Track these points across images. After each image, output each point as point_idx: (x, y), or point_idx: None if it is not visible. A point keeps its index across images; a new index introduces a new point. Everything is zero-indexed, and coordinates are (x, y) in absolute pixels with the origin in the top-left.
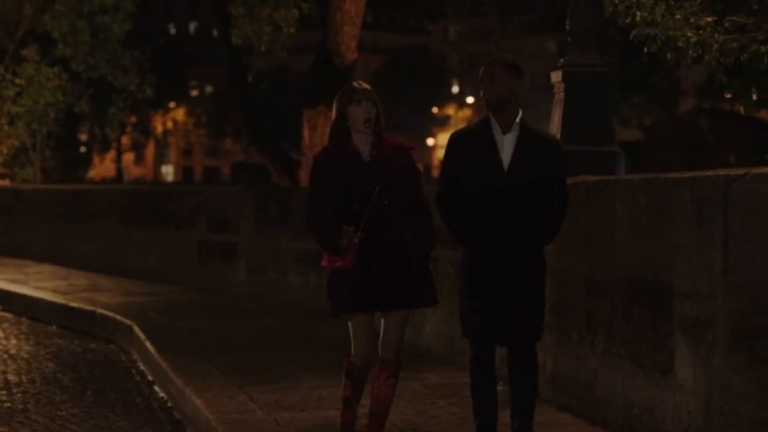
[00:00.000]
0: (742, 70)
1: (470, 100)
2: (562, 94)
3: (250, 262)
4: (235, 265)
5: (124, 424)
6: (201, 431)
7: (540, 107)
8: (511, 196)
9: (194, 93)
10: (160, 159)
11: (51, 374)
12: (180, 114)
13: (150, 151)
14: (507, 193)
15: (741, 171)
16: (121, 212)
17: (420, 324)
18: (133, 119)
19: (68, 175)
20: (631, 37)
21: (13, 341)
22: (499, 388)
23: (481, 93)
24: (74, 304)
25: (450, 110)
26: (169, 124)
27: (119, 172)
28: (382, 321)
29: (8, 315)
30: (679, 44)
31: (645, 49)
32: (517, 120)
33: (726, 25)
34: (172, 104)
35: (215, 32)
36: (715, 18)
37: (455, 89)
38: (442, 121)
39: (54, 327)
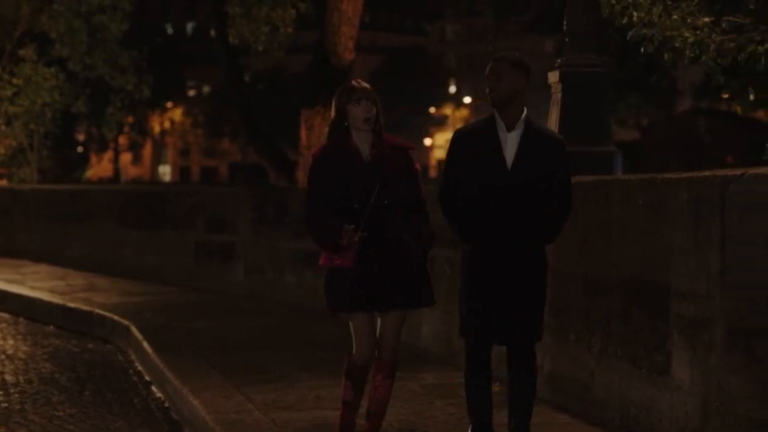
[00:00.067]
0: (739, 71)
1: (467, 100)
2: (559, 95)
3: (247, 262)
4: (233, 266)
5: (122, 424)
6: (198, 431)
7: (538, 107)
8: (513, 194)
9: (191, 93)
10: (157, 159)
11: (48, 374)
12: (177, 114)
13: (147, 151)
14: (509, 192)
15: (738, 171)
16: (119, 212)
17: (417, 324)
18: (131, 119)
19: (65, 175)
20: (628, 37)
21: (11, 341)
22: (496, 388)
23: (487, 90)
24: (71, 305)
25: (447, 110)
26: (167, 124)
27: (116, 172)
28: (379, 321)
29: (5, 315)
30: (677, 44)
31: (642, 50)
32: (522, 118)
33: (723, 25)
34: (169, 104)
35: (212, 32)
36: (713, 18)
37: (452, 89)
38: (440, 121)
39: (51, 327)
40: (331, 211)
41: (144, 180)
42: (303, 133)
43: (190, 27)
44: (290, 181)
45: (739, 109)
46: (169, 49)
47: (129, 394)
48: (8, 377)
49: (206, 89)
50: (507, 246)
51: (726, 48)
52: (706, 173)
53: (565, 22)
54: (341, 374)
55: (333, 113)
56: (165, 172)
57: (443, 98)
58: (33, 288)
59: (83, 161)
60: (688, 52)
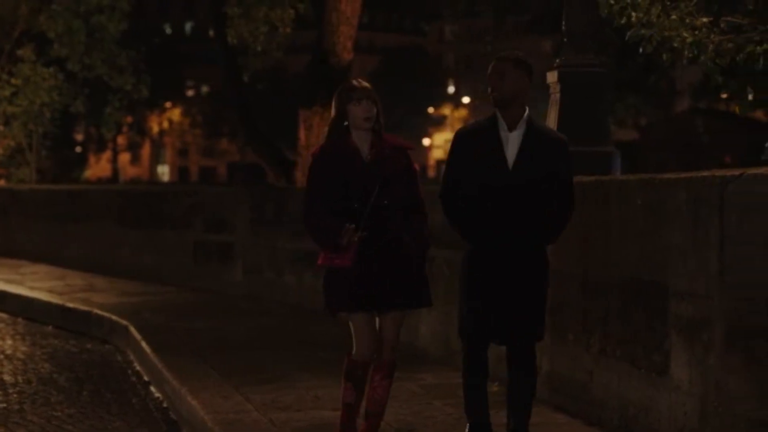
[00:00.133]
0: (738, 71)
1: (466, 100)
2: (557, 95)
3: (246, 262)
4: (231, 266)
5: (120, 424)
6: (197, 431)
7: (537, 107)
8: (514, 194)
9: (190, 93)
10: (155, 159)
11: (47, 374)
12: (176, 114)
13: (146, 151)
14: (510, 191)
15: (737, 171)
16: (117, 212)
17: (416, 324)
18: (129, 119)
19: (64, 175)
20: (627, 37)
21: (9, 342)
22: (495, 388)
23: (489, 89)
24: (70, 305)
25: (446, 110)
26: (165, 124)
27: (115, 172)
28: (378, 321)
29: (4, 315)
30: (675, 45)
31: (640, 50)
32: (524, 117)
33: (722, 25)
34: (168, 104)
35: (211, 32)
36: (711, 18)
37: (451, 89)
38: (438, 122)
39: (50, 327)
40: (331, 210)
41: (142, 180)
42: (301, 133)
43: (188, 27)
44: (289, 181)
45: (737, 109)
46: (168, 49)
47: (127, 394)
48: (7, 377)
49: (205, 89)
50: (507, 246)
51: (724, 48)
52: (705, 173)
53: (563, 23)
54: (341, 375)
55: (333, 112)
56: (163, 172)
57: (442, 98)
58: (32, 288)
59: (82, 161)
60: (686, 52)
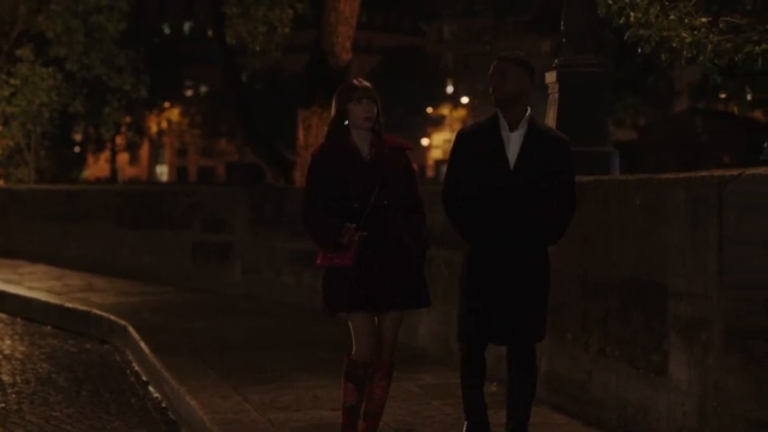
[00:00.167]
0: (737, 71)
1: (465, 100)
2: (556, 95)
3: (244, 262)
4: (230, 266)
5: (119, 424)
6: (195, 431)
7: (537, 107)
8: (515, 194)
9: (189, 93)
10: (154, 159)
11: (45, 375)
12: (174, 114)
13: (144, 151)
14: (511, 191)
15: (735, 171)
16: (116, 212)
17: (414, 325)
18: (128, 119)
19: (63, 175)
20: (626, 37)
21: (8, 342)
22: (494, 388)
23: (491, 89)
24: (69, 305)
25: (445, 110)
26: (164, 124)
27: (114, 172)
28: (377, 321)
29: (2, 315)
30: (674, 45)
31: (639, 50)
32: (526, 117)
33: (720, 25)
34: (166, 104)
35: (210, 32)
36: (710, 18)
37: (450, 89)
38: (437, 122)
39: (48, 327)
40: (331, 210)
41: (141, 180)
42: (300, 133)
43: (187, 27)
44: (287, 181)
45: (736, 109)
46: (167, 49)
47: (126, 394)
48: (5, 377)
49: (203, 89)
50: (508, 246)
51: (723, 48)
52: (704, 173)
53: (562, 23)
54: (340, 376)
55: (333, 112)
56: (162, 172)
57: (440, 98)
58: (30, 288)
59: (80, 161)
60: (685, 52)
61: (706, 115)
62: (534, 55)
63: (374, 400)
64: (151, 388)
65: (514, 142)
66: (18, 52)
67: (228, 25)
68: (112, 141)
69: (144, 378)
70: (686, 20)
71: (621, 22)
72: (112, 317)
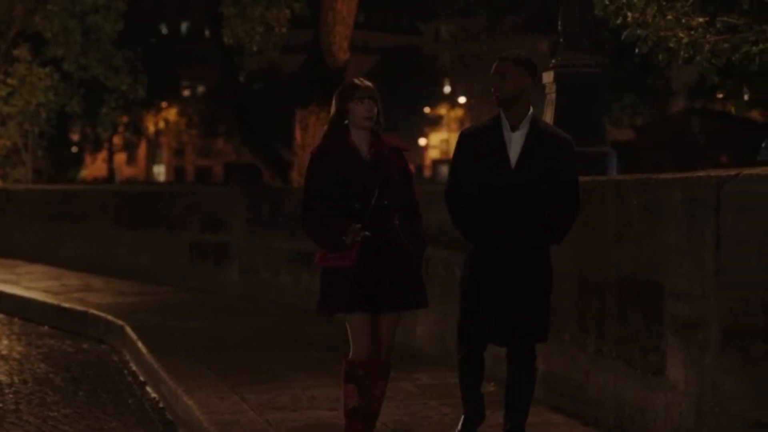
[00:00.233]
0: (734, 71)
1: (462, 100)
2: (553, 95)
3: (242, 262)
4: (227, 266)
5: (116, 424)
6: None
7: (534, 107)
8: (516, 194)
9: (186, 93)
10: (151, 159)
11: (43, 375)
12: (172, 114)
13: (142, 151)
14: (512, 192)
15: (733, 172)
16: (113, 212)
17: (412, 325)
18: (125, 119)
19: (60, 175)
20: (623, 37)
21: (5, 342)
22: (492, 388)
23: (492, 89)
24: (66, 305)
25: (442, 110)
26: (161, 124)
27: (111, 172)
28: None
29: (0, 315)
30: (671, 45)
31: (636, 50)
32: (528, 117)
33: (717, 25)
34: (163, 104)
35: (207, 32)
36: (707, 19)
37: (447, 89)
38: (435, 121)
39: (46, 327)
40: (330, 210)
41: (138, 180)
42: (297, 133)
43: (184, 27)
44: (285, 181)
45: (733, 110)
46: (164, 49)
47: (124, 394)
48: (3, 378)
49: (201, 89)
50: (509, 246)
51: (720, 48)
52: (701, 174)
53: (559, 23)
54: (339, 379)
55: (333, 111)
56: (159, 172)
57: (438, 98)
58: (28, 288)
59: (78, 161)
60: (682, 52)
61: (703, 115)
62: (531, 55)
63: (371, 401)
64: (148, 388)
65: (515, 142)
66: (15, 52)
67: (225, 25)
68: (110, 141)
69: (141, 378)
70: (683, 20)
71: (618, 22)
72: (110, 317)
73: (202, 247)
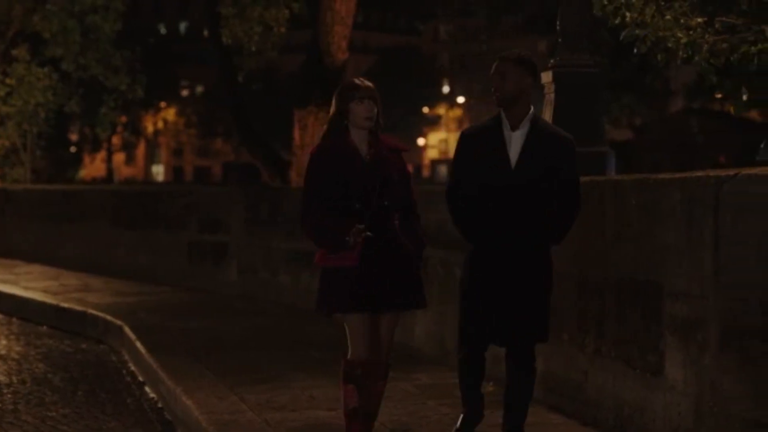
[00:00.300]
0: (732, 71)
1: (461, 99)
2: (552, 95)
3: (240, 262)
4: (226, 266)
5: (115, 425)
6: None
7: (535, 107)
8: (516, 193)
9: (185, 93)
10: (150, 159)
11: (41, 375)
12: (170, 114)
13: (140, 151)
14: (512, 191)
15: (732, 172)
16: (112, 212)
17: (410, 325)
18: (124, 119)
19: (59, 175)
20: (621, 37)
21: (4, 342)
22: (490, 388)
23: (492, 89)
24: (65, 305)
25: (441, 110)
26: (160, 124)
27: (110, 172)
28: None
29: None
30: (669, 45)
31: (635, 50)
32: (528, 116)
33: (716, 25)
34: (162, 104)
35: (206, 32)
36: (705, 19)
37: (446, 89)
38: (433, 121)
39: (44, 327)
40: (331, 210)
41: (137, 180)
42: (296, 133)
43: (183, 27)
44: (283, 181)
45: (732, 110)
46: (163, 49)
47: (122, 394)
48: (1, 377)
49: (199, 89)
50: (509, 246)
51: (719, 48)
52: (700, 174)
53: (558, 23)
54: (339, 380)
55: (333, 110)
56: (158, 172)
57: (436, 98)
58: (26, 288)
59: (76, 161)
60: (681, 52)
61: (702, 115)
62: (531, 55)
63: (370, 401)
64: (147, 389)
65: (515, 142)
66: (14, 52)
67: (224, 25)
68: (108, 141)
69: (140, 378)
70: (682, 20)
71: (617, 22)
72: (108, 317)
73: (201, 247)
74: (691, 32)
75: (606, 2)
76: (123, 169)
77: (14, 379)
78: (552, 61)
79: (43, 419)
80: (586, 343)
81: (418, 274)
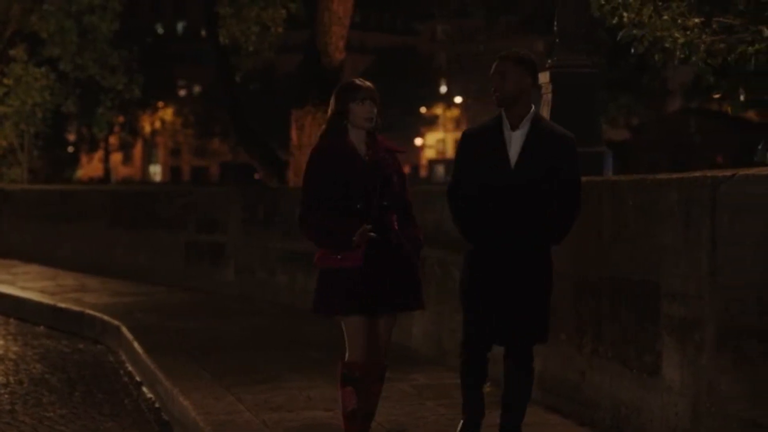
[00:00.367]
0: (730, 71)
1: (458, 100)
2: (549, 95)
3: (238, 262)
4: (223, 266)
5: (112, 425)
6: None
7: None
8: (516, 193)
9: (182, 93)
10: (148, 159)
11: (39, 375)
12: (168, 114)
13: (138, 151)
14: (512, 191)
15: (729, 172)
16: (109, 212)
17: (408, 325)
18: (121, 119)
19: (56, 175)
20: (619, 37)
21: (1, 342)
22: (488, 389)
23: (492, 89)
24: (62, 305)
25: (438, 110)
26: (157, 124)
27: (107, 172)
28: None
29: None
30: (667, 45)
31: (632, 50)
32: (529, 116)
33: (713, 26)
34: (160, 104)
35: (203, 32)
36: (703, 19)
37: (443, 89)
38: (431, 121)
39: (42, 327)
40: (329, 210)
41: (135, 180)
42: (293, 133)
43: (180, 27)
44: (281, 181)
45: (729, 110)
46: (160, 49)
47: (120, 394)
48: None
49: (197, 89)
50: (508, 246)
51: (716, 48)
52: (697, 174)
53: (555, 23)
54: (337, 382)
55: (332, 110)
56: (156, 172)
57: (434, 98)
58: (24, 288)
59: (74, 161)
60: (678, 52)
61: (699, 115)
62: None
63: (367, 402)
64: (144, 389)
65: (515, 142)
66: (11, 52)
67: (221, 25)
68: (106, 141)
69: (137, 378)
70: (679, 20)
71: (614, 22)
72: (106, 317)
73: (198, 247)
74: (688, 32)
75: (603, 2)
76: (120, 169)
77: (11, 379)
78: (549, 61)
79: (40, 420)
80: (584, 344)
81: (416, 274)
